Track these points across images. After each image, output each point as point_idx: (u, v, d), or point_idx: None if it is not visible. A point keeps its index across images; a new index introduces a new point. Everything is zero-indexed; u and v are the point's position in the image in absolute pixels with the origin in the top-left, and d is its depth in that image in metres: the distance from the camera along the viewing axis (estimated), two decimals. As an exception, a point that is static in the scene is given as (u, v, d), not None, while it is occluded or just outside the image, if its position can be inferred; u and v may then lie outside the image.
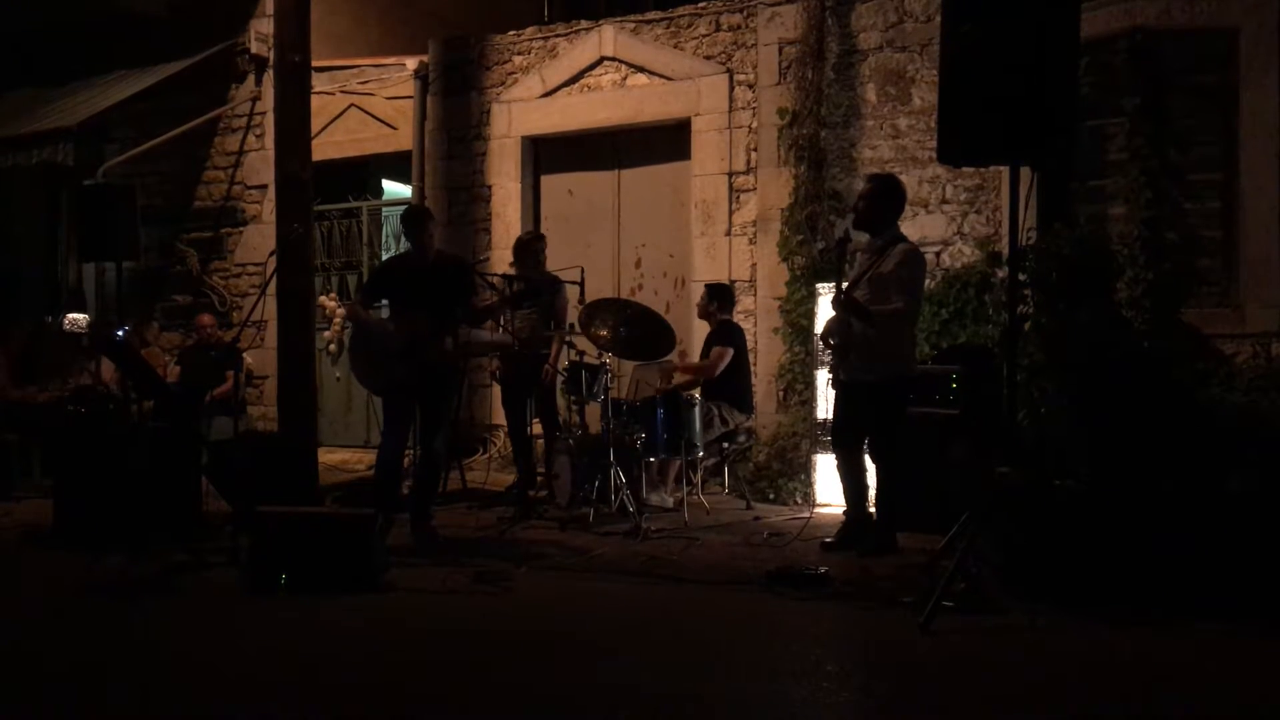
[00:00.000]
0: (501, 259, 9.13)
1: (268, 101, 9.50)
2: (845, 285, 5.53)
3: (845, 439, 5.70)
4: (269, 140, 9.12)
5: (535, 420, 7.33)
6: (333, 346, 9.75)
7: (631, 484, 6.42)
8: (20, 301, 10.98)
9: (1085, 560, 4.39)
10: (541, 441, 7.43)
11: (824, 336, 5.90)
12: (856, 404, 5.59)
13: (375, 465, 6.05)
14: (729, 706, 3.33)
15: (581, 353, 6.74)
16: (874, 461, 5.66)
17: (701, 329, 7.66)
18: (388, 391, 6.00)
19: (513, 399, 7.33)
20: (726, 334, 7.25)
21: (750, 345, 7.76)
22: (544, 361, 7.07)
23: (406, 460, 6.48)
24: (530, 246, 7.36)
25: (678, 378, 7.36)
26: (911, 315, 5.61)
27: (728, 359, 7.09)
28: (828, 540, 5.68)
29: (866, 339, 5.46)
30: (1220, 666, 3.73)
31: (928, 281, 7.40)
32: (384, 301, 6.32)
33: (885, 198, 5.63)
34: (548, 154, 9.44)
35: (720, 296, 7.43)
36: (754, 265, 8.31)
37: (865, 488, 5.73)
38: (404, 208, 6.82)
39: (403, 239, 9.88)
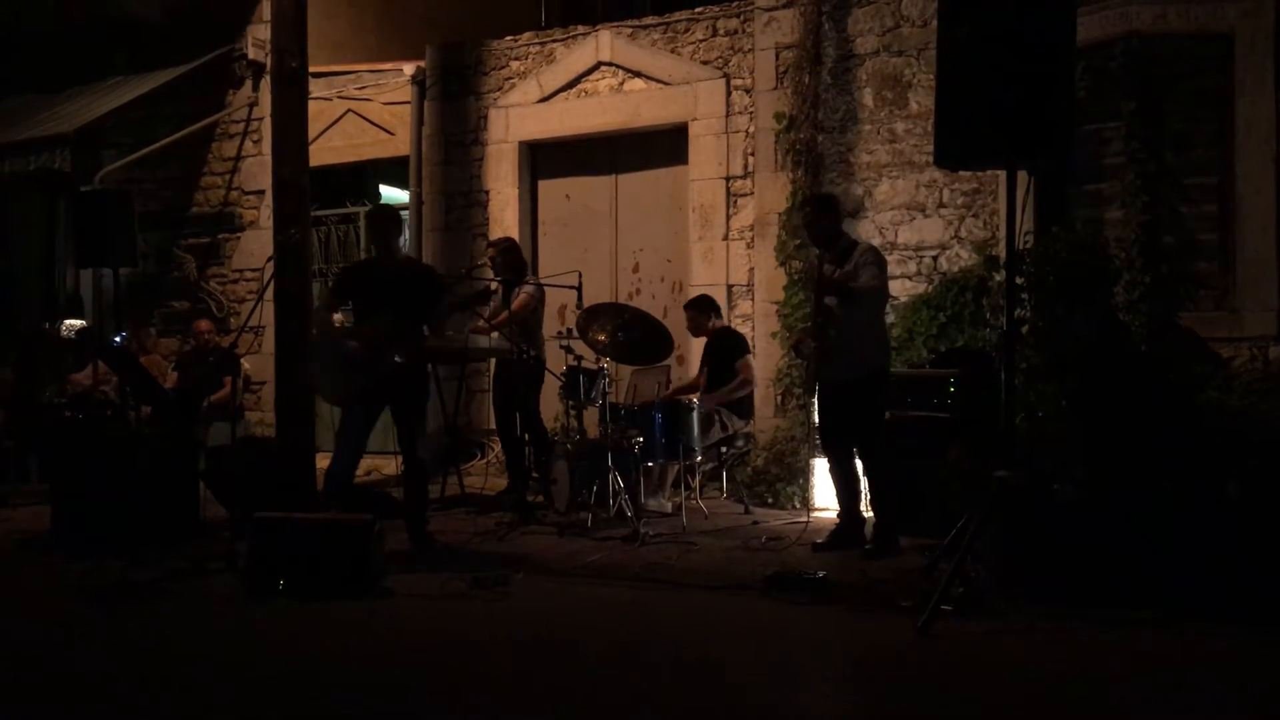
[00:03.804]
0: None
1: (265, 107, 9.50)
2: (818, 281, 5.73)
3: (833, 440, 5.79)
4: (266, 146, 9.12)
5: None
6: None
7: (630, 489, 6.40)
8: (18, 308, 10.97)
9: (1084, 563, 4.39)
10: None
11: (794, 347, 5.99)
12: (838, 403, 5.67)
13: (325, 475, 5.80)
14: (728, 711, 3.33)
15: (579, 357, 6.73)
16: (862, 460, 5.70)
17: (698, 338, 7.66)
18: (346, 402, 5.80)
19: (499, 403, 7.40)
20: (738, 342, 7.26)
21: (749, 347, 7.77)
22: (526, 369, 7.01)
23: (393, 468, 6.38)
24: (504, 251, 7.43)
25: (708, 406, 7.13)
26: (882, 299, 5.76)
27: (753, 373, 7.13)
28: (818, 541, 5.70)
29: (841, 339, 5.55)
30: (1219, 669, 3.73)
31: (925, 285, 7.45)
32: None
33: (824, 214, 5.83)
34: (545, 159, 9.45)
35: (712, 308, 7.43)
36: (752, 270, 8.31)
37: (858, 489, 5.78)
38: (369, 208, 6.64)
39: (400, 243, 9.94)
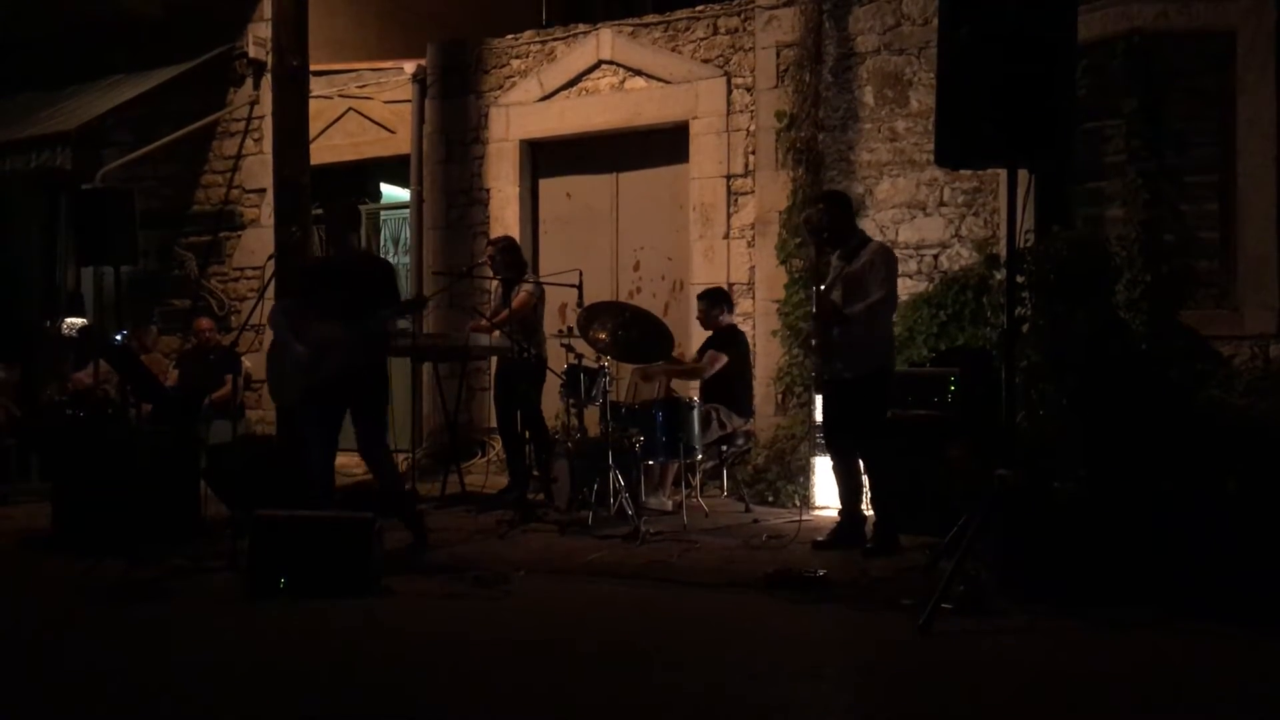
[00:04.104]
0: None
1: (266, 105, 9.50)
2: (820, 289, 5.70)
3: (836, 439, 5.80)
4: (267, 144, 9.12)
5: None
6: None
7: (630, 487, 6.40)
8: (19, 306, 10.97)
9: (1084, 562, 4.40)
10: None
11: (808, 340, 5.99)
12: (841, 402, 5.67)
13: (307, 484, 5.68)
14: (729, 709, 3.33)
15: (580, 355, 6.73)
16: (863, 459, 5.70)
17: (700, 332, 7.64)
18: (297, 404, 5.69)
19: (500, 401, 7.42)
20: (727, 340, 7.24)
21: (749, 348, 7.76)
22: (527, 366, 7.02)
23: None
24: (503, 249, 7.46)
25: (663, 378, 7.29)
26: (888, 306, 5.70)
27: (719, 364, 7.07)
28: (819, 540, 5.71)
29: (845, 337, 5.55)
30: (1219, 667, 3.73)
31: (926, 284, 7.45)
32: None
33: (841, 211, 5.81)
34: (546, 157, 9.45)
35: (724, 301, 7.42)
36: (752, 268, 8.31)
37: (859, 488, 5.78)
38: (332, 204, 6.33)
39: (400, 241, 9.97)
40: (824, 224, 5.81)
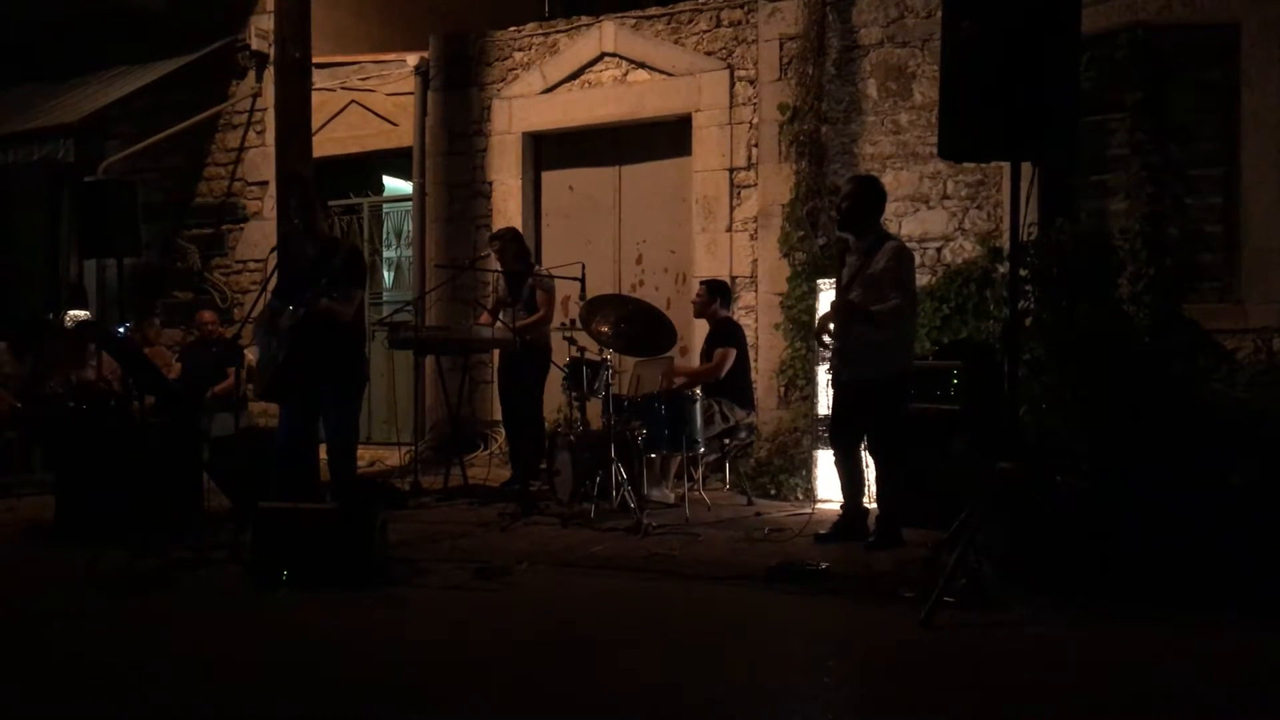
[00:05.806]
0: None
1: (268, 98, 9.50)
2: (840, 288, 5.65)
3: (844, 437, 5.74)
4: (270, 136, 9.12)
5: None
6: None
7: (633, 480, 6.40)
8: (21, 298, 10.99)
9: (1087, 555, 4.39)
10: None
11: (816, 335, 5.93)
12: (856, 402, 5.62)
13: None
14: (731, 702, 3.33)
15: (583, 349, 6.73)
16: (874, 458, 5.69)
17: (701, 326, 7.65)
18: (267, 395, 5.79)
19: (503, 395, 7.46)
20: (728, 334, 7.24)
21: (751, 341, 7.76)
22: (533, 358, 7.04)
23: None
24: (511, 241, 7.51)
25: (678, 381, 7.33)
26: (911, 308, 5.65)
27: (731, 361, 7.09)
28: (821, 533, 5.70)
29: (865, 338, 5.48)
30: (1222, 662, 3.73)
31: (929, 277, 7.45)
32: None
33: (866, 198, 5.67)
34: (548, 150, 9.44)
35: (721, 293, 7.42)
36: (755, 261, 8.30)
37: (862, 483, 5.77)
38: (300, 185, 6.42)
39: (403, 234, 9.97)
40: (840, 203, 5.70)
